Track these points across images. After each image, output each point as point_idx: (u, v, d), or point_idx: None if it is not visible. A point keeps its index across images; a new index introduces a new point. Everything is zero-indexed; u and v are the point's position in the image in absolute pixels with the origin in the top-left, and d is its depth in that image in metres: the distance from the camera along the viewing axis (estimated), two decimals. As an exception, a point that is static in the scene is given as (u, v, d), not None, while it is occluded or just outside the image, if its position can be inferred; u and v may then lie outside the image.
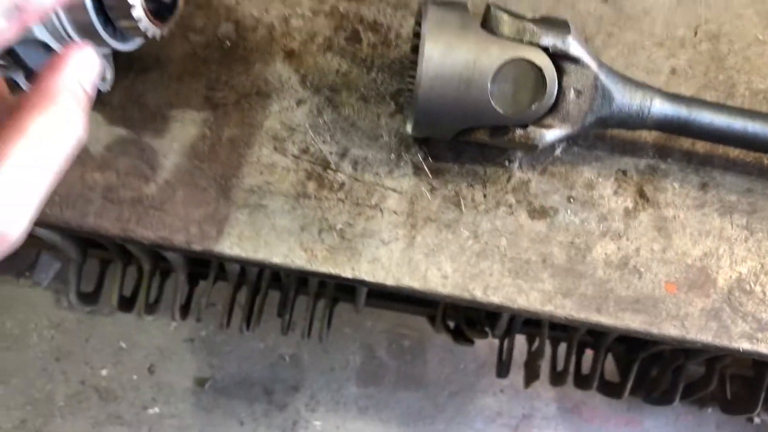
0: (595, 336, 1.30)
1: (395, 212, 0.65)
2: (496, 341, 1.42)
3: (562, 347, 1.34)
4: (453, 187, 0.65)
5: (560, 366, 1.34)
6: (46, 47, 0.56)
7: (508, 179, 0.66)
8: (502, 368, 1.42)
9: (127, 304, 1.31)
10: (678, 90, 0.69)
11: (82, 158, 0.63)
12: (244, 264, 0.76)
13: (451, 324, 1.47)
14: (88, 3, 0.54)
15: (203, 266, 1.30)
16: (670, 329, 0.65)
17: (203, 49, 0.67)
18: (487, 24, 0.60)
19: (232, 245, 0.63)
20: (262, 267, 0.71)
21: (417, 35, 0.66)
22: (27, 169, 0.40)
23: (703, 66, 0.71)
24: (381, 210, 0.64)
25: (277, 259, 0.62)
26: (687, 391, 1.28)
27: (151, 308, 1.33)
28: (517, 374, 1.41)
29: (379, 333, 1.80)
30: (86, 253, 1.22)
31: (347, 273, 0.63)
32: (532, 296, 0.64)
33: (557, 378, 1.36)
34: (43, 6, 0.44)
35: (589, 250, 0.65)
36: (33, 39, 0.54)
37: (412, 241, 0.64)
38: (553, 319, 0.64)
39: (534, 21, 0.60)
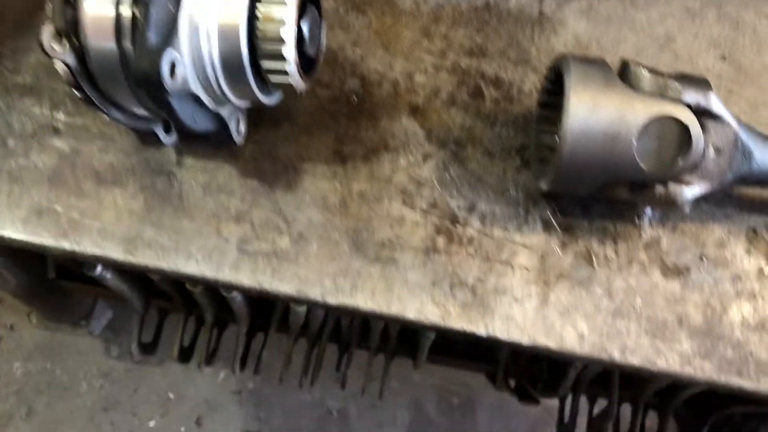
0: (661, 397, 1.26)
1: (527, 268, 0.63)
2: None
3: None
4: (584, 244, 0.64)
5: (624, 428, 1.29)
6: (197, 100, 0.57)
7: (639, 236, 0.65)
8: (565, 430, 1.38)
9: (185, 354, 1.29)
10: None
11: (218, 211, 0.63)
12: (378, 318, 0.74)
13: (512, 382, 1.43)
14: (245, 59, 0.54)
15: (263, 318, 1.28)
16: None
17: (331, 103, 0.68)
18: (625, 79, 0.60)
19: (366, 300, 0.61)
20: (395, 323, 0.70)
21: (547, 91, 0.66)
22: None
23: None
24: (512, 266, 0.63)
25: (410, 314, 0.61)
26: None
27: (209, 360, 1.31)
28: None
29: (427, 388, 1.75)
30: (149, 303, 1.21)
31: (481, 330, 0.61)
32: (671, 358, 0.62)
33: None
34: None
35: (725, 310, 0.64)
36: (188, 92, 0.55)
37: (546, 298, 0.62)
38: (693, 381, 0.61)
39: (673, 77, 0.60)
